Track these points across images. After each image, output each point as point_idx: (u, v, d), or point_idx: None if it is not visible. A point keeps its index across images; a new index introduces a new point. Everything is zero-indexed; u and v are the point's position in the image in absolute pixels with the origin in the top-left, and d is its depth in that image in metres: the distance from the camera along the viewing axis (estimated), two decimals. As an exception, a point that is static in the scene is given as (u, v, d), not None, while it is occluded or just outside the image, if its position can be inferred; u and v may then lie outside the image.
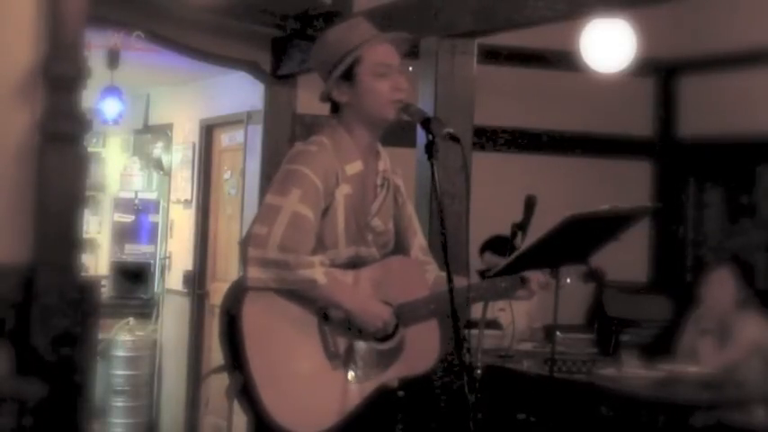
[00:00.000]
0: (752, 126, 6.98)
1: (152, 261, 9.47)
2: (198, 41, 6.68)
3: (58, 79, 4.36)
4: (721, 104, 7.26)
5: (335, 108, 3.22)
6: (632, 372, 5.35)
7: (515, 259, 3.29)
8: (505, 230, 4.17)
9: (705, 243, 7.59)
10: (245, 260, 2.97)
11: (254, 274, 2.96)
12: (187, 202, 8.81)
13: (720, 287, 5.57)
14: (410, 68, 3.27)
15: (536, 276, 3.28)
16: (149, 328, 9.22)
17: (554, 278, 3.36)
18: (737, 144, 7.18)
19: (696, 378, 5.24)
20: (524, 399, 5.48)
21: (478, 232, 5.37)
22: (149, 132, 9.59)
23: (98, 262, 9.88)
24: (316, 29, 6.05)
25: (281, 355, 2.99)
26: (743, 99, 7.11)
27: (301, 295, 3.00)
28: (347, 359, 3.07)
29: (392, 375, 3.15)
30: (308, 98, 6.92)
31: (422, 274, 3.30)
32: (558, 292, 3.46)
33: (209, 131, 8.55)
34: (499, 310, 5.90)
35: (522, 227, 4.07)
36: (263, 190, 6.85)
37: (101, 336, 8.03)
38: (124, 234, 9.54)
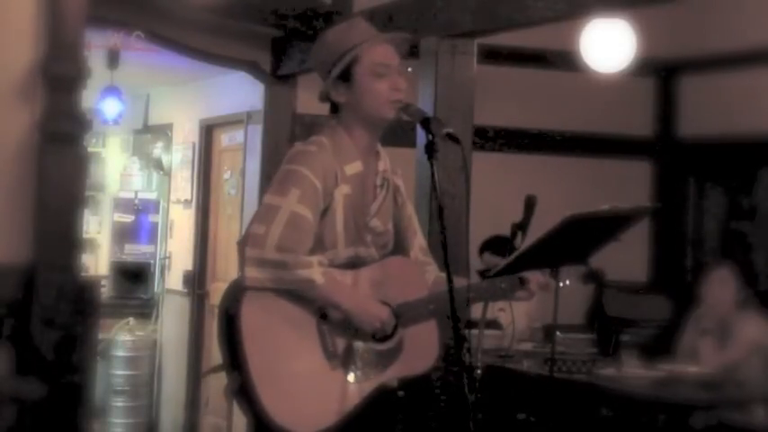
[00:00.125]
0: (752, 126, 6.98)
1: (152, 261, 9.47)
2: (198, 41, 6.68)
3: (58, 79, 4.36)
4: (721, 104, 7.26)
5: (335, 108, 3.21)
6: (632, 372, 5.35)
7: (515, 259, 3.29)
8: (505, 230, 4.17)
9: (705, 243, 7.59)
10: (242, 260, 2.97)
11: (252, 273, 2.96)
12: (187, 202, 8.81)
13: (720, 287, 5.57)
14: (409, 69, 3.27)
15: (535, 277, 3.28)
16: (149, 328, 9.21)
17: (554, 278, 3.36)
18: (737, 144, 7.18)
19: (696, 378, 5.24)
20: (524, 399, 5.48)
21: (478, 232, 5.38)
22: (149, 132, 9.59)
23: (98, 262, 9.88)
24: (316, 29, 6.04)
25: (280, 354, 2.99)
26: (743, 99, 7.11)
27: (300, 295, 3.00)
28: (346, 359, 3.07)
29: (391, 375, 3.15)
30: (308, 98, 6.92)
31: (421, 274, 3.30)
32: (558, 292, 3.46)
33: (209, 131, 8.55)
34: (499, 310, 5.90)
35: (522, 227, 4.07)
36: (263, 190, 6.85)
37: (101, 336, 8.03)
38: (124, 234, 9.54)
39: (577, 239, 3.36)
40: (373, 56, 3.14)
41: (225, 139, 8.39)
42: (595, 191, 6.38)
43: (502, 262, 3.32)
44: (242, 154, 7.80)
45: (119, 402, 8.90)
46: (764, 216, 7.18)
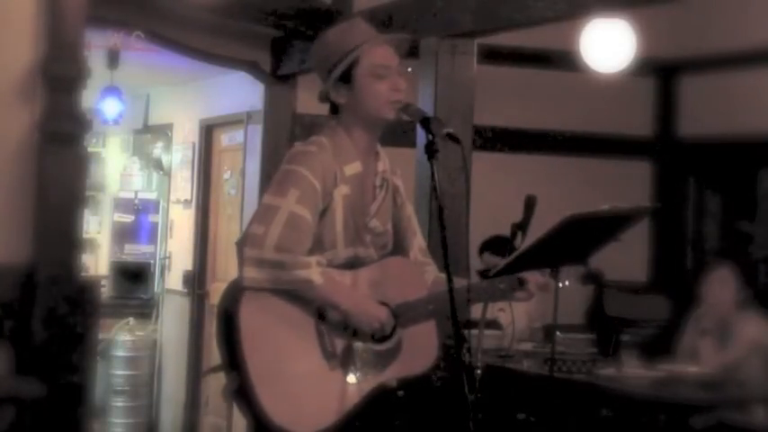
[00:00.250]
0: (752, 126, 6.98)
1: (152, 261, 9.47)
2: (198, 41, 6.68)
3: (58, 79, 4.36)
4: (721, 104, 7.25)
5: (335, 109, 3.21)
6: (632, 372, 5.35)
7: (515, 259, 3.29)
8: (505, 230, 4.17)
9: (705, 243, 7.59)
10: (241, 260, 2.97)
11: (250, 274, 2.96)
12: (187, 202, 8.81)
13: (720, 287, 5.57)
14: (409, 69, 3.27)
15: (534, 278, 3.28)
16: (149, 328, 9.21)
17: (554, 278, 3.35)
18: (737, 144, 7.18)
19: (696, 378, 5.24)
20: (524, 399, 5.48)
21: (478, 232, 5.38)
22: (149, 132, 9.59)
23: (98, 262, 9.89)
24: (316, 29, 6.03)
25: (278, 355, 2.99)
26: (743, 99, 7.11)
27: (298, 295, 3.00)
28: (345, 359, 3.07)
29: (390, 376, 3.15)
30: (308, 98, 6.91)
31: (420, 274, 3.30)
32: (558, 292, 3.46)
33: (209, 131, 8.55)
34: (499, 310, 5.90)
35: (521, 227, 4.07)
36: (263, 190, 6.84)
37: (101, 336, 8.02)
38: (124, 234, 9.54)
39: (577, 239, 3.36)
40: (373, 57, 3.14)
41: (225, 139, 8.39)
42: (595, 191, 6.37)
43: (502, 262, 3.32)
44: (242, 154, 7.80)
45: (119, 402, 8.90)
46: (764, 215, 7.18)
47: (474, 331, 4.45)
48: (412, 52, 4.26)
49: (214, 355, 7.86)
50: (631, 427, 5.16)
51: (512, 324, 5.38)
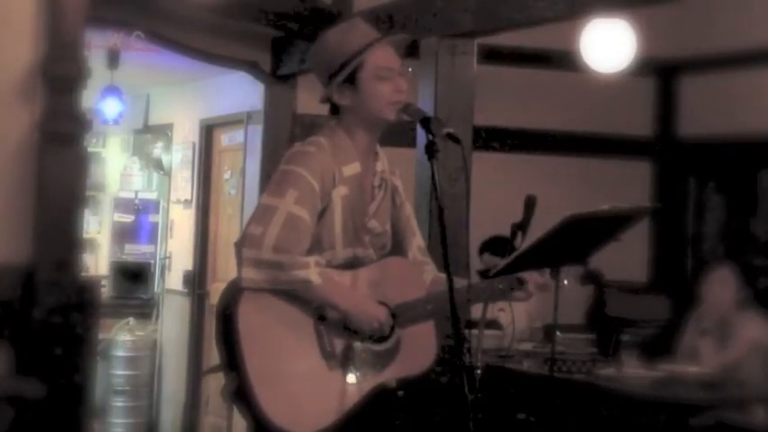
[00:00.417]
0: (752, 126, 6.98)
1: (152, 261, 9.47)
2: (198, 41, 6.67)
3: (58, 79, 4.36)
4: (721, 104, 7.25)
5: (335, 109, 3.22)
6: (632, 372, 5.35)
7: (515, 259, 3.29)
8: (505, 231, 4.17)
9: (705, 243, 7.59)
10: (240, 261, 2.97)
11: (248, 274, 2.96)
12: (187, 202, 8.81)
13: (721, 287, 5.57)
14: (410, 69, 3.27)
15: (533, 278, 3.28)
16: (149, 328, 9.21)
17: (554, 279, 3.35)
18: (738, 144, 7.18)
19: (696, 378, 5.24)
20: (524, 399, 5.48)
21: (478, 232, 5.38)
22: (149, 132, 9.59)
23: (98, 262, 9.88)
24: (316, 29, 6.04)
25: (277, 355, 2.99)
26: (743, 99, 7.11)
27: (297, 296, 3.00)
28: (344, 360, 3.07)
29: (389, 376, 3.15)
30: (308, 98, 6.91)
31: (419, 274, 3.30)
32: (558, 292, 3.46)
33: (209, 131, 8.55)
34: (499, 310, 5.90)
35: (521, 227, 4.07)
36: (263, 190, 6.85)
37: (101, 336, 8.02)
38: (124, 234, 9.54)
39: (577, 239, 3.35)
40: (377, 60, 3.14)
41: (225, 139, 8.39)
42: (595, 191, 6.37)
43: (501, 262, 3.32)
44: (242, 154, 7.80)
45: (119, 402, 8.90)
46: (764, 215, 7.18)
47: (474, 331, 4.45)
48: (412, 52, 4.26)
49: (214, 355, 7.85)
50: (631, 427, 5.16)
51: (512, 324, 5.38)
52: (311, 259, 3.01)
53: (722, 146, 7.32)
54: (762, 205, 7.21)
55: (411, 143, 4.97)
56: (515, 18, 4.85)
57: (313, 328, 3.04)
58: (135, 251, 9.51)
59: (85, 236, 8.78)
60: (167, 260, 9.16)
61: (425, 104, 5.11)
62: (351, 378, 3.06)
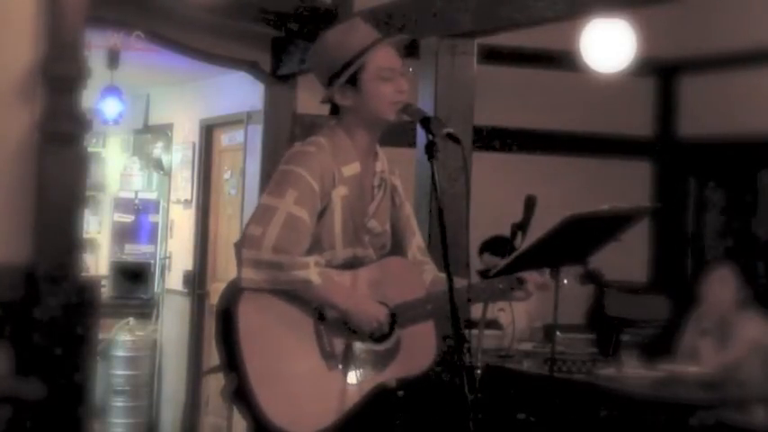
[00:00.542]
0: (753, 126, 6.98)
1: (152, 261, 9.47)
2: (198, 41, 6.67)
3: (58, 79, 4.36)
4: (721, 104, 7.26)
5: (335, 109, 3.22)
6: (632, 372, 5.35)
7: (515, 259, 3.29)
8: (505, 230, 4.17)
9: (705, 243, 7.59)
10: (239, 261, 2.97)
11: (248, 275, 2.96)
12: (187, 202, 8.81)
13: (721, 287, 5.57)
14: (410, 69, 3.27)
15: (533, 277, 3.28)
16: (149, 328, 9.21)
17: (553, 278, 3.36)
18: (738, 144, 7.18)
19: (696, 378, 5.24)
20: (524, 399, 5.48)
21: (478, 232, 5.38)
22: (149, 132, 9.59)
23: (98, 262, 9.88)
24: (316, 29, 6.04)
25: (277, 355, 2.99)
26: (743, 99, 7.11)
27: (297, 296, 3.00)
28: (343, 360, 3.06)
29: (389, 376, 3.14)
30: (308, 98, 6.91)
31: (419, 274, 3.30)
32: (558, 292, 3.46)
33: (209, 131, 8.55)
34: (499, 310, 5.90)
35: (521, 227, 4.07)
36: (263, 190, 6.85)
37: (101, 336, 8.02)
38: (124, 234, 9.54)
39: (577, 239, 3.36)
40: (378, 60, 3.14)
41: (225, 139, 8.39)
42: (595, 191, 6.37)
43: (502, 262, 3.32)
44: (242, 154, 7.80)
45: (119, 402, 8.90)
46: (764, 215, 7.18)
47: (474, 331, 4.45)
48: (412, 52, 4.26)
49: (214, 355, 7.84)
50: (631, 427, 5.16)
51: (512, 324, 5.38)
52: (311, 259, 3.01)
53: (722, 146, 7.32)
54: (762, 205, 7.21)
55: (411, 143, 4.96)
56: (515, 18, 4.85)
57: (313, 329, 3.04)
58: (135, 251, 9.52)
59: (85, 236, 8.78)
60: (167, 260, 9.16)
61: (425, 104, 5.11)
62: (351, 378, 3.06)
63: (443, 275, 2.99)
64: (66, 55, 4.38)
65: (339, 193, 3.11)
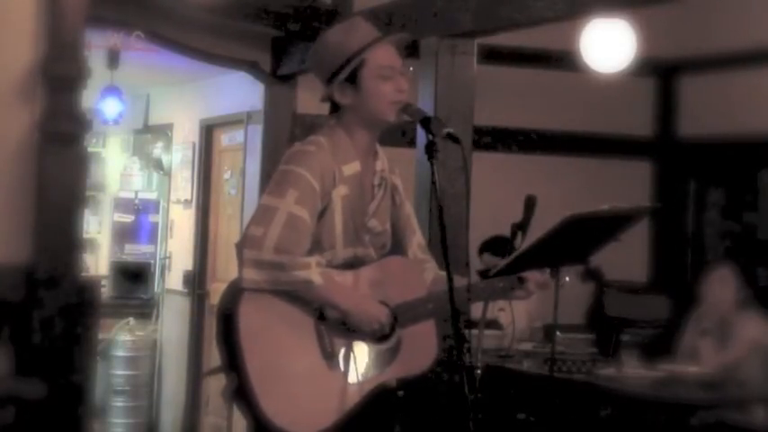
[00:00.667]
0: (753, 126, 6.98)
1: (152, 261, 9.47)
2: (198, 41, 6.67)
3: (58, 79, 4.36)
4: (722, 104, 7.26)
5: (335, 108, 3.21)
6: (632, 372, 5.35)
7: (515, 259, 3.29)
8: (505, 230, 4.17)
9: (705, 243, 7.59)
10: (240, 261, 2.97)
11: (250, 275, 2.96)
12: (187, 202, 8.81)
13: (721, 287, 5.57)
14: (410, 69, 3.27)
15: (534, 276, 3.28)
16: (149, 328, 9.21)
17: (553, 278, 3.36)
18: (738, 144, 7.18)
19: (696, 378, 5.24)
20: (524, 399, 5.48)
21: (478, 232, 5.38)
22: (149, 132, 9.60)
23: (98, 262, 9.88)
24: (316, 29, 6.04)
25: (278, 355, 2.98)
26: (743, 99, 7.11)
27: (298, 296, 3.00)
28: (344, 360, 3.06)
29: (390, 376, 3.14)
30: (308, 98, 6.91)
31: (420, 274, 3.30)
32: (558, 291, 3.46)
33: (209, 131, 8.55)
34: (499, 310, 5.90)
35: (521, 227, 4.07)
36: (263, 190, 6.85)
37: (101, 336, 8.02)
38: (124, 234, 9.54)
39: (577, 239, 3.36)
40: (378, 58, 3.14)
41: (225, 139, 8.39)
42: (595, 191, 6.37)
43: (500, 262, 3.32)
44: (242, 154, 7.80)
45: (119, 402, 8.90)
46: (765, 215, 7.18)
47: (474, 331, 4.45)
48: (412, 52, 4.26)
49: (214, 355, 7.84)
50: (631, 427, 5.16)
51: (512, 324, 5.38)
52: (312, 260, 3.00)
53: (722, 146, 7.32)
54: (762, 205, 7.21)
55: (411, 143, 4.97)
56: (515, 18, 4.85)
57: (313, 329, 3.04)
58: (135, 251, 9.52)
59: (85, 236, 8.78)
60: (167, 260, 9.16)
61: (425, 104, 5.11)
62: (351, 378, 3.06)
63: (444, 274, 2.99)
64: (66, 55, 4.37)
65: (339, 192, 3.11)
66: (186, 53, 6.76)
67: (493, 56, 6.38)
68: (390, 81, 3.14)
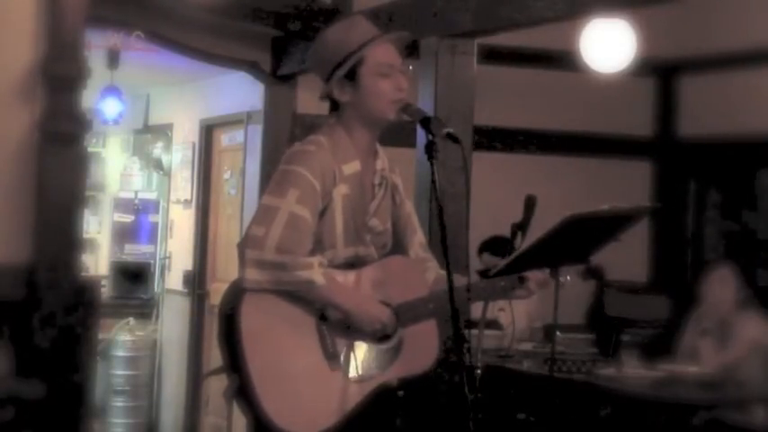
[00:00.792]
0: (752, 126, 6.98)
1: (152, 261, 9.47)
2: (198, 41, 6.67)
3: (58, 79, 4.36)
4: (721, 104, 7.25)
5: (335, 107, 3.21)
6: (632, 372, 5.35)
7: (515, 259, 3.29)
8: (505, 230, 4.17)
9: (705, 243, 7.59)
10: (242, 262, 2.97)
11: (252, 275, 2.96)
12: (187, 202, 8.81)
13: (721, 286, 5.57)
14: (410, 68, 3.27)
15: (534, 275, 3.28)
16: (149, 328, 9.21)
17: (554, 278, 3.35)
18: (738, 144, 7.18)
19: (696, 378, 5.24)
20: (524, 399, 5.48)
21: (478, 232, 5.38)
22: (149, 132, 9.60)
23: (98, 262, 9.88)
24: (316, 29, 6.04)
25: (279, 356, 2.98)
26: (743, 99, 7.11)
27: (299, 296, 3.00)
28: (346, 360, 3.06)
29: (391, 376, 3.15)
30: (308, 98, 6.91)
31: (422, 273, 3.30)
32: (558, 291, 3.46)
33: (209, 131, 8.55)
34: (499, 310, 5.90)
35: (521, 227, 4.07)
36: (263, 190, 6.85)
37: (101, 336, 8.02)
38: (124, 234, 9.54)
39: (577, 239, 3.35)
40: (378, 56, 3.14)
41: (225, 139, 8.39)
42: (595, 191, 6.38)
43: (500, 262, 3.32)
44: (242, 154, 7.80)
45: (119, 402, 8.90)
46: (764, 215, 7.18)
47: (474, 331, 4.45)
48: (412, 52, 4.26)
49: (214, 355, 7.87)
50: (631, 427, 5.16)
51: (512, 324, 5.38)
52: (314, 260, 3.00)
53: (722, 146, 7.32)
54: (762, 204, 7.21)
55: (411, 143, 4.96)
56: (515, 18, 4.85)
57: (315, 329, 3.04)
58: (135, 251, 9.52)
59: (85, 236, 8.79)
60: (167, 260, 9.16)
61: (425, 104, 5.11)
62: (353, 378, 3.06)
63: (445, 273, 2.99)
64: (66, 55, 4.37)
65: (340, 191, 3.11)
66: (186, 53, 6.76)
67: (493, 56, 6.38)
68: (389, 79, 3.14)
